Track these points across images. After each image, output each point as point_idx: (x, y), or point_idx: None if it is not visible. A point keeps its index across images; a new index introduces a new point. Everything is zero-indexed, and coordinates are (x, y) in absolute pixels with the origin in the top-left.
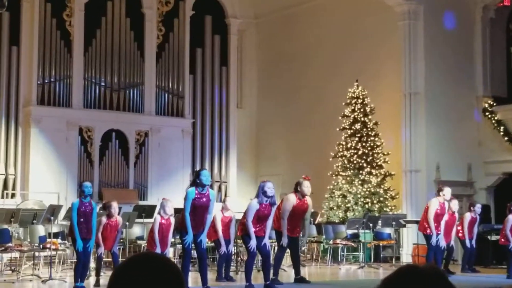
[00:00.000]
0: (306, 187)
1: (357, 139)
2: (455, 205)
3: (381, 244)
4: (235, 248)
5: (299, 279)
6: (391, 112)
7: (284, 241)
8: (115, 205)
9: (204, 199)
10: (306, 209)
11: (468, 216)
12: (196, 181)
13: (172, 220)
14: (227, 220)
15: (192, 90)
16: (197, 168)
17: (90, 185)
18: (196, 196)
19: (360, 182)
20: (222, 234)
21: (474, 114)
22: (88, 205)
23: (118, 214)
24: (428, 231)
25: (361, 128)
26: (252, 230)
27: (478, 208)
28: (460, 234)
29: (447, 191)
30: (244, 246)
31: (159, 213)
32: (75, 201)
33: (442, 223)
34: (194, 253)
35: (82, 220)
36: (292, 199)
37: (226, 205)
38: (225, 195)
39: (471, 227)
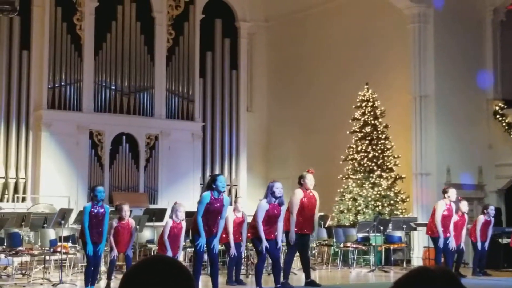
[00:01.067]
0: (309, 179)
1: (367, 142)
2: (464, 206)
3: (391, 247)
4: (246, 251)
5: (310, 282)
6: (401, 115)
7: (292, 238)
8: (126, 208)
9: (218, 204)
10: (315, 203)
11: (481, 218)
12: (212, 186)
13: (184, 224)
14: (239, 221)
15: (202, 93)
16: (207, 171)
17: (103, 189)
18: (211, 200)
19: (370, 185)
20: (233, 236)
21: (484, 117)
22: (101, 209)
23: (129, 217)
24: (435, 232)
25: (371, 131)
26: (262, 231)
27: (491, 210)
28: (473, 237)
29: (451, 192)
30: (254, 249)
31: (170, 217)
32: (87, 205)
33: (451, 224)
34: (205, 257)
35: (93, 223)
36: (299, 193)
37: (238, 206)
38: (236, 196)
39: (484, 230)
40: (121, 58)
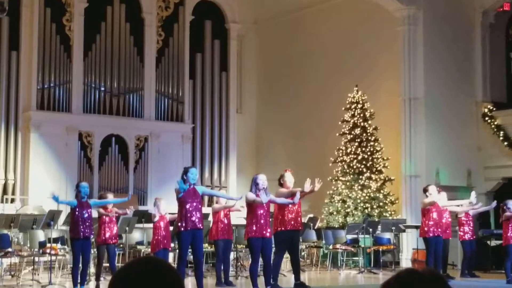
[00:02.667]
0: (288, 177)
1: (356, 144)
2: (443, 197)
3: (380, 249)
4: (235, 253)
5: (299, 284)
6: (391, 117)
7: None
8: (110, 197)
9: (193, 194)
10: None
11: (461, 213)
12: (183, 178)
13: (168, 216)
14: (224, 214)
15: (191, 95)
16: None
17: (87, 185)
18: (184, 193)
19: (359, 187)
20: (221, 231)
21: (473, 119)
22: (86, 205)
23: (118, 218)
24: (428, 235)
25: (360, 133)
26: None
27: (465, 202)
28: (465, 235)
29: (432, 189)
30: (249, 249)
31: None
32: (73, 200)
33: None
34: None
35: (80, 219)
36: (281, 190)
37: (220, 200)
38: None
39: (468, 225)
40: (110, 59)
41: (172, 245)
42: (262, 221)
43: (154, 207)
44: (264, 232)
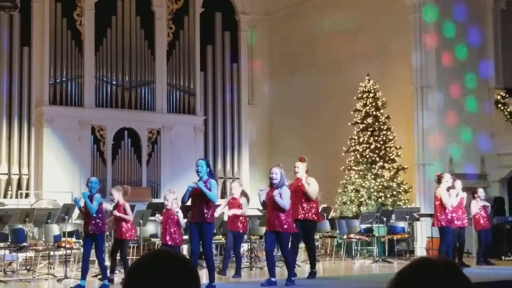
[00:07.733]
0: (295, 167)
1: (369, 133)
2: (458, 185)
3: (395, 238)
4: (249, 244)
5: (314, 273)
6: (403, 106)
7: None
8: (113, 192)
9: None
10: (302, 189)
11: (474, 204)
12: (210, 171)
13: (177, 211)
14: (234, 205)
15: (203, 87)
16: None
17: (97, 180)
18: (194, 188)
19: (373, 176)
20: (232, 223)
21: (486, 106)
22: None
23: (132, 211)
24: (443, 223)
25: (373, 122)
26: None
27: (481, 193)
28: (475, 227)
29: (448, 177)
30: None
31: (166, 206)
32: (85, 192)
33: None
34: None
35: (90, 215)
36: (313, 181)
37: (232, 190)
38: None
39: (482, 215)
40: (121, 53)
41: (185, 237)
42: (268, 216)
43: (165, 201)
44: (275, 226)
